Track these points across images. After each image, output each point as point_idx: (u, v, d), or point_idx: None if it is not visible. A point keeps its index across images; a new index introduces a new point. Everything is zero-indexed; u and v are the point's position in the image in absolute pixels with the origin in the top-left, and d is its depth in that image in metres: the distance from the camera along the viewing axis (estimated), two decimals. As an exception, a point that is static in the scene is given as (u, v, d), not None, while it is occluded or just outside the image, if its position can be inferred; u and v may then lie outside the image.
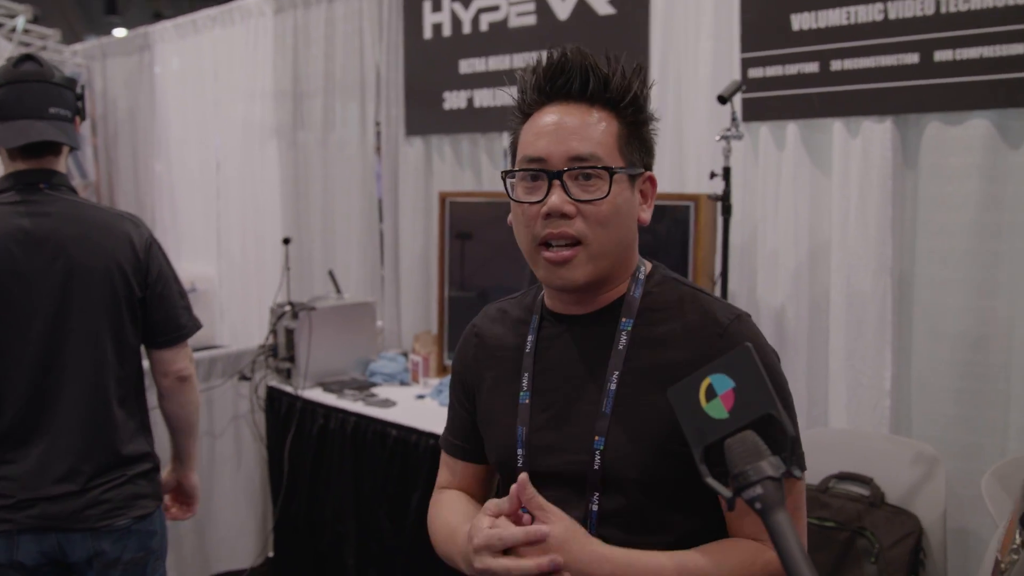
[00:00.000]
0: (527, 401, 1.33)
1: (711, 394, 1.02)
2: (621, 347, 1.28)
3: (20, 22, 5.27)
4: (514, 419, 1.34)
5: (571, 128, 1.25)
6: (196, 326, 2.35)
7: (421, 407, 3.42)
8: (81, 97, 2.25)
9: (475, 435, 1.46)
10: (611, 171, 1.24)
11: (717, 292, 2.79)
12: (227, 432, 3.87)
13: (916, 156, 2.69)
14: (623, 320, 1.30)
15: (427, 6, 4.00)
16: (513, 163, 1.34)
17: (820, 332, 2.91)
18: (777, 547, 0.91)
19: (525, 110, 1.32)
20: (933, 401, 2.67)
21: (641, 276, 1.34)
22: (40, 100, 2.14)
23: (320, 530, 3.57)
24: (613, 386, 1.27)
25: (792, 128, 2.90)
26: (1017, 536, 1.17)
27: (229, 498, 3.87)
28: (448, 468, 1.52)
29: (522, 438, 1.32)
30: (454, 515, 1.41)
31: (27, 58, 2.19)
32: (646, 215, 1.31)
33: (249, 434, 3.92)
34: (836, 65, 2.76)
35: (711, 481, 0.99)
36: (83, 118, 2.27)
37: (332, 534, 3.51)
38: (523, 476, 1.20)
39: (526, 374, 1.35)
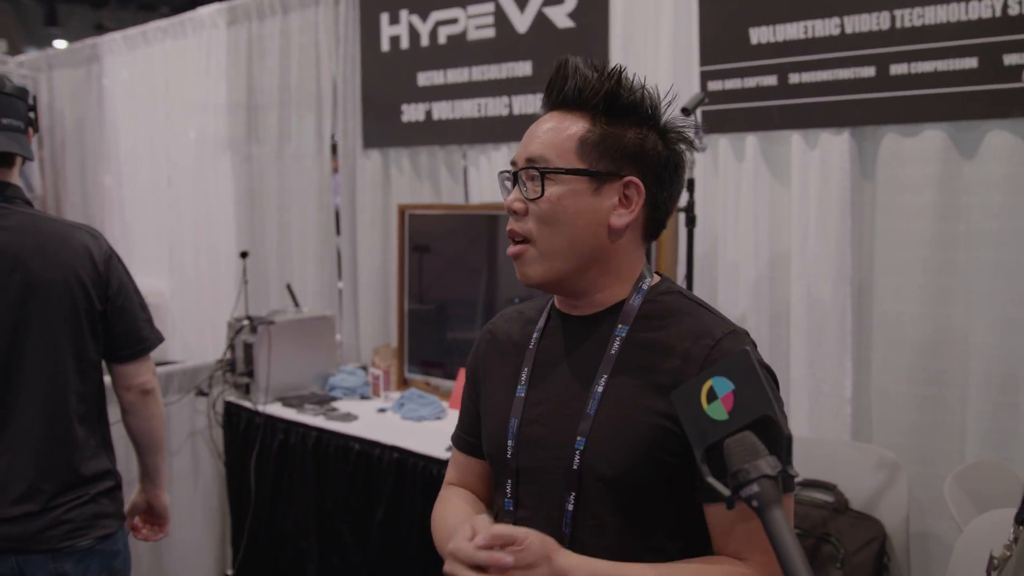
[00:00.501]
0: (523, 395, 1.37)
1: (712, 396, 1.05)
2: (613, 351, 1.30)
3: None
4: (508, 411, 1.37)
5: (537, 132, 1.33)
6: (158, 339, 2.31)
7: (383, 421, 3.39)
8: (33, 108, 2.20)
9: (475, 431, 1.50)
10: (541, 172, 1.28)
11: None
12: (184, 449, 3.80)
13: (873, 167, 2.74)
14: (618, 326, 1.32)
15: (384, 18, 3.99)
16: None
17: (781, 341, 2.95)
18: (773, 543, 0.93)
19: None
20: (893, 407, 2.72)
21: (644, 286, 1.35)
22: None
23: (282, 546, 3.52)
24: (600, 388, 1.29)
25: (751, 140, 2.94)
26: (1012, 532, 1.20)
27: (187, 516, 3.79)
28: (455, 465, 1.55)
29: (513, 430, 1.35)
30: (454, 515, 1.43)
31: None
32: (619, 220, 1.30)
33: (207, 450, 3.85)
34: (794, 78, 2.81)
35: (711, 480, 1.02)
36: (36, 129, 2.22)
37: (294, 550, 3.46)
38: (485, 538, 1.17)
39: (526, 368, 1.38)
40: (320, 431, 3.36)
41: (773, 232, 2.95)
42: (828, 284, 2.79)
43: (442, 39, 3.79)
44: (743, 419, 1.01)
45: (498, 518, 1.38)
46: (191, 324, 5.02)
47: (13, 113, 2.13)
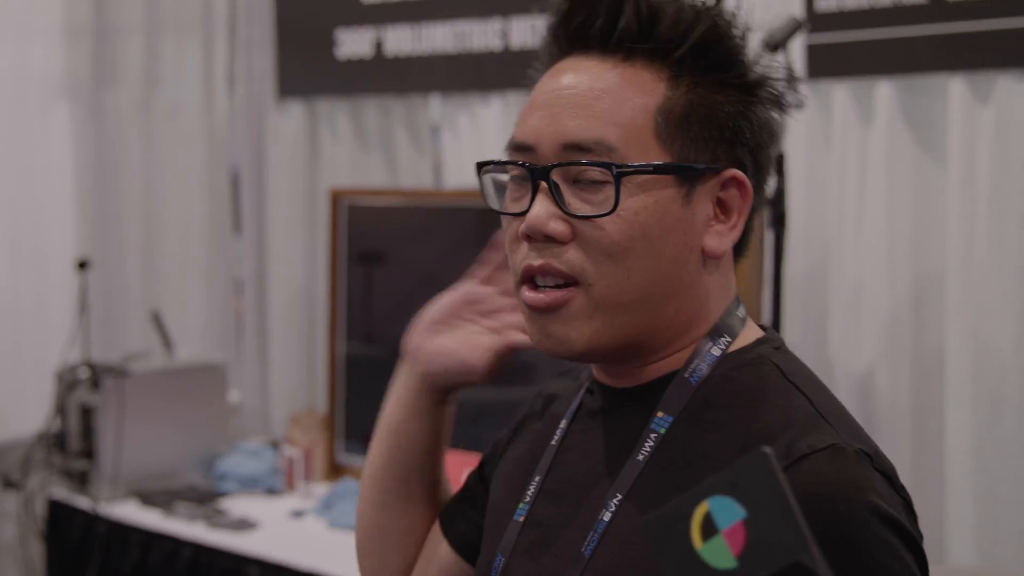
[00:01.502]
0: (521, 519, 1.36)
1: (710, 529, 0.98)
2: (640, 457, 1.26)
3: None
4: (499, 541, 1.37)
5: (575, 97, 1.24)
6: None
7: (299, 531, 3.40)
8: None
9: (476, 516, 1.52)
10: (615, 171, 1.21)
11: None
12: (-19, 574, 3.80)
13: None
14: (658, 416, 1.27)
15: None
16: None
17: (931, 413, 2.92)
18: None
19: (541, 65, 1.33)
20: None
21: (716, 350, 1.29)
22: None
23: None
24: (608, 515, 1.25)
25: (885, 90, 2.92)
26: None
27: None
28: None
29: (497, 571, 1.36)
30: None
31: None
32: (717, 242, 1.27)
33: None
34: (955, -9, 2.80)
35: None
36: None
37: None
38: None
39: (536, 478, 1.37)
40: (199, 548, 3.36)
41: (919, 238, 2.93)
42: (1008, 322, 2.77)
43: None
44: (762, 568, 0.95)
45: None
46: (2, 373, 5.02)
47: None
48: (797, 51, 2.91)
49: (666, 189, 1.23)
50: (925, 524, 2.98)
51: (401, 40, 3.85)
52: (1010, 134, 2.76)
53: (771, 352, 1.30)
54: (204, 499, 3.62)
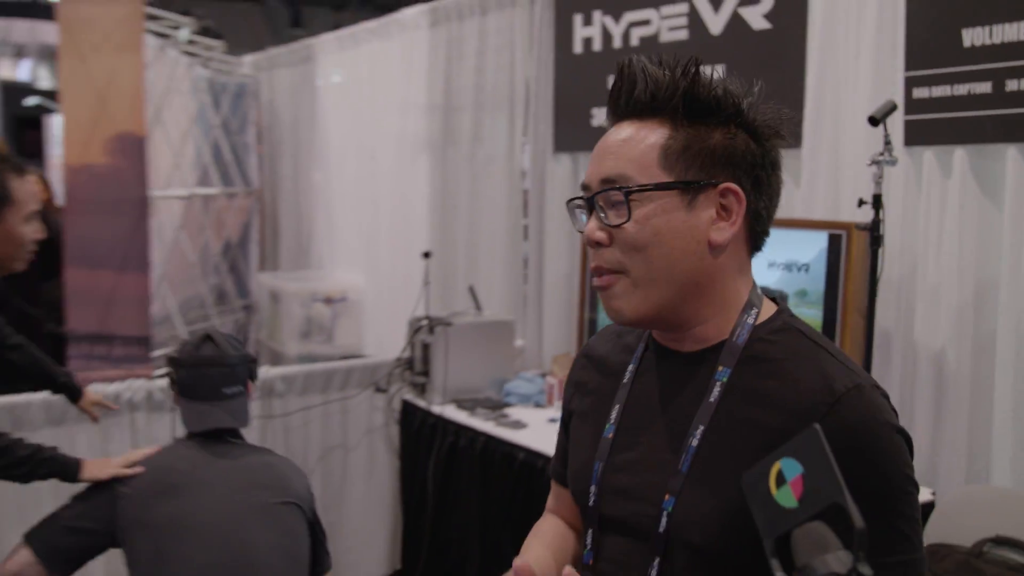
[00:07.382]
0: (610, 436, 1.28)
1: (780, 480, 0.96)
2: (712, 399, 1.19)
3: (183, 34, 5.59)
4: (594, 452, 1.29)
5: (610, 147, 1.21)
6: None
7: (552, 431, 3.35)
8: (254, 360, 2.38)
9: None
10: (626, 192, 1.17)
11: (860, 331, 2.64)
12: (361, 444, 3.96)
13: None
14: (719, 369, 1.21)
15: (578, 20, 3.99)
16: None
17: (984, 378, 2.72)
18: None
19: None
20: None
21: (750, 320, 1.22)
22: (216, 383, 2.28)
23: (446, 547, 3.61)
24: (695, 442, 1.19)
25: (960, 154, 2.73)
26: None
27: (360, 508, 3.96)
28: (553, 493, 1.51)
29: (597, 475, 1.27)
30: (538, 546, 1.40)
31: (206, 338, 2.31)
32: (719, 235, 1.19)
33: (382, 446, 4.01)
34: (1012, 85, 2.57)
35: (780, 575, 0.94)
36: (254, 379, 2.38)
37: (457, 553, 3.53)
38: None
39: (617, 406, 1.29)
40: (488, 437, 3.42)
41: (980, 256, 2.73)
42: (1042, 317, 2.55)
43: (634, 41, 3.74)
44: (813, 507, 0.93)
45: (577, 567, 1.28)
46: (384, 320, 5.23)
47: (234, 380, 2.30)
48: (897, 125, 2.76)
49: (670, 200, 1.18)
50: (976, 456, 2.80)
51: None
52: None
53: (790, 319, 1.24)
54: (495, 407, 3.67)
